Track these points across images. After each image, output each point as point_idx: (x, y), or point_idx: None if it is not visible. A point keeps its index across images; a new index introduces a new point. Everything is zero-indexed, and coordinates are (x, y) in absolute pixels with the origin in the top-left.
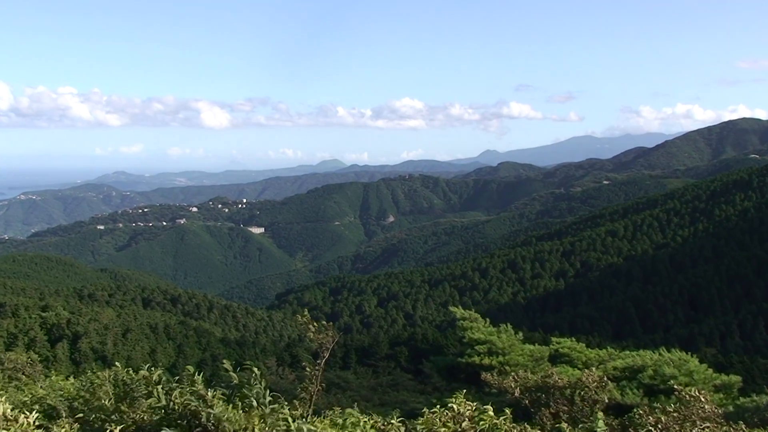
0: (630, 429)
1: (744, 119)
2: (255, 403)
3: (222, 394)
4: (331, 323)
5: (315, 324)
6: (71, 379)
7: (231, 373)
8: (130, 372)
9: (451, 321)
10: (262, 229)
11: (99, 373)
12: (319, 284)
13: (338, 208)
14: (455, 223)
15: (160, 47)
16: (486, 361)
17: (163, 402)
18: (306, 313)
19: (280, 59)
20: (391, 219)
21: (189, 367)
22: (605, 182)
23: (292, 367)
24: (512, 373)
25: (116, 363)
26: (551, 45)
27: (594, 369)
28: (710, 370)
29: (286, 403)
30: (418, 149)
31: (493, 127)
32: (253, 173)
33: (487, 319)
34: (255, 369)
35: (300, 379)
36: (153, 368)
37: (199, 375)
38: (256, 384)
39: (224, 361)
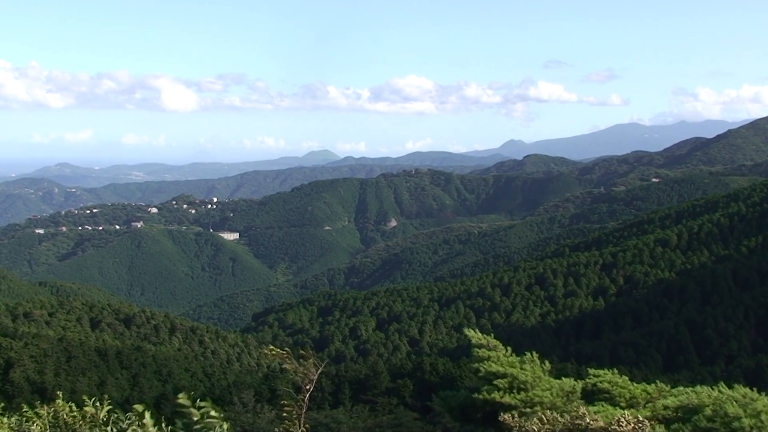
0: None
1: None
2: None
3: None
4: (313, 352)
5: (289, 357)
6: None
7: (192, 408)
8: (74, 408)
9: (466, 348)
10: (236, 235)
11: (36, 409)
12: (306, 302)
13: (329, 210)
14: (471, 229)
15: (111, 11)
16: (506, 398)
17: None
18: (271, 348)
19: (258, 27)
20: (393, 223)
21: (137, 406)
22: (654, 180)
23: (271, 403)
24: (537, 414)
25: (57, 397)
26: (586, 10)
27: (640, 408)
28: None
29: None
30: (426, 138)
31: (518, 112)
32: (225, 166)
33: (509, 348)
34: (213, 411)
35: (280, 418)
36: (100, 403)
37: (151, 413)
38: (218, 428)
39: (180, 396)
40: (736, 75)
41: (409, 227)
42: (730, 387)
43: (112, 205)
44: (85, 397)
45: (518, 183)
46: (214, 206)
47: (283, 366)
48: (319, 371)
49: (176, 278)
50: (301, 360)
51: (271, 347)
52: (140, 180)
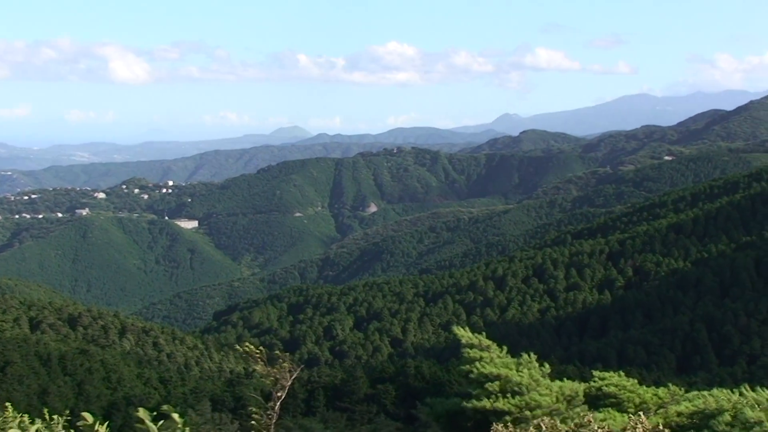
0: None
1: None
2: None
3: None
4: (287, 353)
5: (263, 356)
6: None
7: (148, 423)
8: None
9: (455, 348)
10: (195, 223)
11: None
12: (274, 299)
13: (300, 194)
14: (461, 215)
15: None
16: (500, 404)
17: None
18: (247, 344)
19: None
20: (373, 208)
21: (86, 414)
22: (667, 158)
23: (234, 412)
24: (534, 422)
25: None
26: None
27: (651, 415)
28: None
29: None
30: (409, 113)
31: (513, 83)
32: (182, 145)
33: (504, 347)
34: (175, 415)
35: (245, 429)
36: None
37: (104, 426)
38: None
39: (138, 409)
40: (759, 39)
41: (390, 213)
42: (752, 389)
43: (53, 189)
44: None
45: (514, 162)
46: (170, 191)
47: (253, 369)
48: (294, 376)
49: (127, 272)
50: (274, 363)
51: (246, 342)
52: (85, 161)
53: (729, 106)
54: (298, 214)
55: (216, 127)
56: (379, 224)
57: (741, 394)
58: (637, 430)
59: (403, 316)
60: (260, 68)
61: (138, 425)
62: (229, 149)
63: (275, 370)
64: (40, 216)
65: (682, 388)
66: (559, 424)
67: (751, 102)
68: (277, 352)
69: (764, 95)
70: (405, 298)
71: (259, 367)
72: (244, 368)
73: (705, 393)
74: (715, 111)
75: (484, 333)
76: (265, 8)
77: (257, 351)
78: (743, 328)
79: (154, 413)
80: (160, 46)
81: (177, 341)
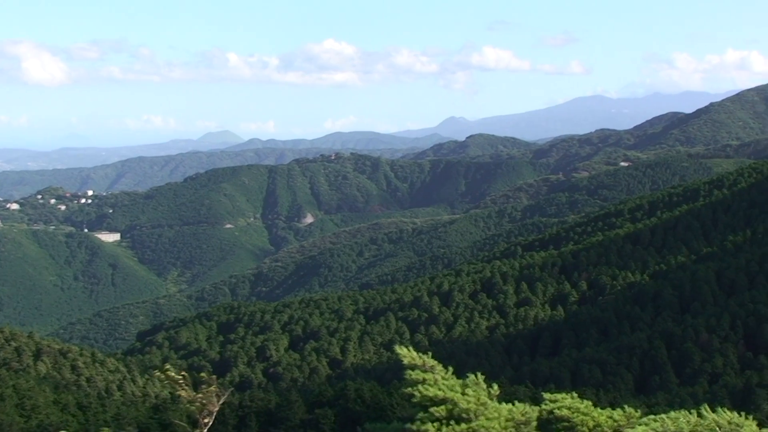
0: None
1: None
2: None
3: None
4: (214, 377)
5: (187, 380)
6: None
7: None
8: None
9: (397, 370)
10: (117, 236)
11: None
12: (203, 317)
13: (230, 204)
14: (404, 225)
15: None
16: (444, 430)
17: None
18: (168, 369)
19: None
20: (310, 219)
21: None
22: (623, 164)
23: None
24: None
25: None
26: None
27: None
28: None
29: None
30: (348, 116)
31: (459, 84)
32: (102, 152)
33: (450, 368)
34: None
35: None
36: None
37: None
38: None
39: None
40: (718, 38)
41: (328, 223)
42: (713, 410)
43: None
44: None
45: (460, 169)
46: (89, 201)
47: (178, 394)
48: (221, 401)
49: (43, 289)
50: (200, 387)
51: (167, 367)
52: None
53: (688, 108)
54: (228, 226)
55: (139, 131)
56: (316, 236)
57: (701, 415)
58: None
59: (342, 334)
60: (187, 68)
61: None
62: (153, 156)
63: (201, 395)
64: None
65: (640, 410)
66: None
67: (712, 104)
68: (203, 375)
69: (725, 96)
70: (344, 316)
71: (183, 393)
72: (170, 392)
73: (663, 416)
74: (674, 113)
75: (429, 352)
76: (192, 3)
77: (180, 376)
78: (704, 345)
79: None
80: (78, 44)
81: (97, 364)
